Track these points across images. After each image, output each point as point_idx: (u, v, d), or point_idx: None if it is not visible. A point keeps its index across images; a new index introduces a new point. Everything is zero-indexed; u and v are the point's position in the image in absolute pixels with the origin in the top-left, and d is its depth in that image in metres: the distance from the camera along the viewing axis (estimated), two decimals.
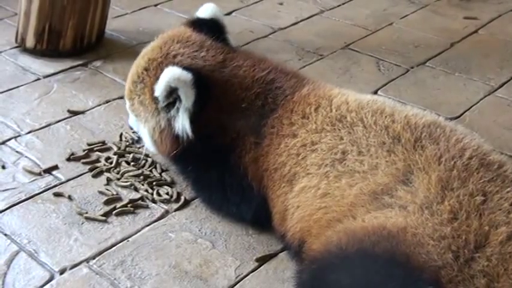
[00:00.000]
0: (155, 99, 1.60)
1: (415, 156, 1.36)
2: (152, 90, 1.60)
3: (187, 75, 1.53)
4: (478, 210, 1.26)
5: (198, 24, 1.73)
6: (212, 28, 1.71)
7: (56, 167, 1.86)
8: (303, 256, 1.44)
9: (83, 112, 2.14)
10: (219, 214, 1.70)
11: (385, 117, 1.47)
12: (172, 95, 1.57)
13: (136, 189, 1.78)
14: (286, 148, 1.52)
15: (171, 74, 1.53)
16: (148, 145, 1.72)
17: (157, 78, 1.58)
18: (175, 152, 1.63)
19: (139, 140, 1.88)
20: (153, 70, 1.63)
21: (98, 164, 1.87)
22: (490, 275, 1.18)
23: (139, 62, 1.69)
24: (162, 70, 1.57)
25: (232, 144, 1.58)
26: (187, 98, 1.54)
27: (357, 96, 1.57)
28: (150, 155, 1.88)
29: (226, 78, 1.61)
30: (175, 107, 1.58)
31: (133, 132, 1.93)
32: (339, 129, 1.48)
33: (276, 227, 1.57)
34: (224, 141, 1.58)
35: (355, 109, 1.51)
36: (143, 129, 1.70)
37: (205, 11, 1.77)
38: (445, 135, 1.41)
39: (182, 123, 1.57)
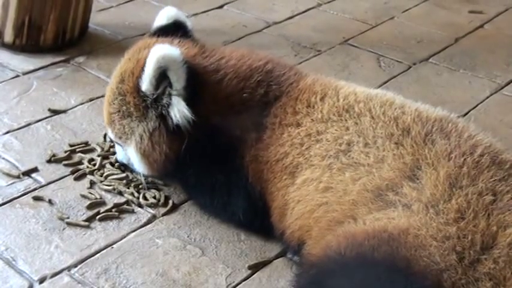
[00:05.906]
0: (142, 98, 1.59)
1: (424, 151, 1.37)
2: (135, 93, 1.60)
3: (175, 50, 1.53)
4: (487, 209, 1.27)
5: (161, 32, 1.72)
6: (176, 31, 1.70)
7: (35, 169, 1.86)
8: (301, 259, 1.45)
9: (64, 111, 2.14)
10: (222, 220, 1.69)
11: (395, 108, 1.49)
12: (162, 83, 1.55)
13: (121, 193, 1.78)
14: (289, 138, 1.53)
15: (158, 52, 1.51)
16: (137, 164, 1.68)
17: (135, 84, 1.58)
18: (175, 153, 1.58)
19: (128, 168, 1.81)
20: (129, 78, 1.62)
21: (81, 166, 1.87)
22: (496, 278, 1.18)
23: (112, 82, 1.70)
24: (137, 75, 1.58)
25: (236, 142, 1.58)
26: (178, 79, 1.53)
27: (365, 89, 1.59)
28: None
29: (214, 69, 1.60)
30: (167, 94, 1.55)
31: (124, 166, 1.83)
32: (346, 120, 1.49)
33: (274, 224, 1.57)
34: (228, 139, 1.58)
35: (363, 100, 1.52)
36: (129, 148, 1.66)
37: (164, 17, 1.76)
38: (457, 130, 1.43)
39: (179, 109, 1.54)
